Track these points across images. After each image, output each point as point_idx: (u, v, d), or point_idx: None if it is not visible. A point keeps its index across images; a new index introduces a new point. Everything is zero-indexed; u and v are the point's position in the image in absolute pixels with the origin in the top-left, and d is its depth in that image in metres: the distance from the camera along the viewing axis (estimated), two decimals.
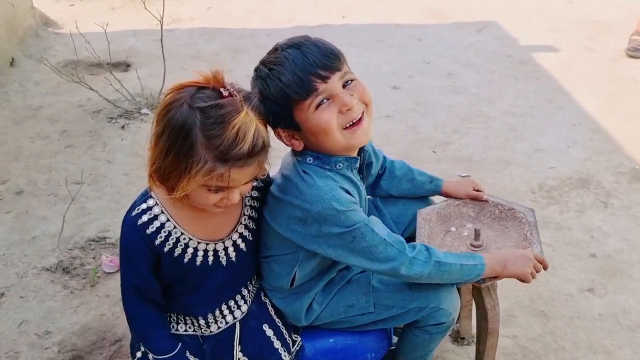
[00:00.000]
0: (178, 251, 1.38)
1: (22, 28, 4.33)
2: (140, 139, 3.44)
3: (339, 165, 1.41)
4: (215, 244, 1.42)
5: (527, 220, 1.70)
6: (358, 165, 1.48)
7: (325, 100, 1.30)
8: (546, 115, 3.71)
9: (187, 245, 1.38)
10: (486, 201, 1.79)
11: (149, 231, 1.34)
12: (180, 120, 1.18)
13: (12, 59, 4.11)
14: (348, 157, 1.43)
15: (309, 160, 1.40)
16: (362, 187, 1.51)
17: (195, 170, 1.18)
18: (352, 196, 1.39)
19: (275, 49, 1.33)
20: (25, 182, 3.07)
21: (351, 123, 1.34)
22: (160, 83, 3.78)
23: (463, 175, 3.08)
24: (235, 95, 1.22)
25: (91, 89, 3.58)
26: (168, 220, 1.35)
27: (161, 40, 3.77)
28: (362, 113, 1.35)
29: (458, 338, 2.09)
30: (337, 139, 1.34)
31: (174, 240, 1.36)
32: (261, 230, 1.51)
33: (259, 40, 4.79)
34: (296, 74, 1.26)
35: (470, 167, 3.17)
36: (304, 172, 1.37)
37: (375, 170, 1.72)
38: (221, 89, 1.22)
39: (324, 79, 1.27)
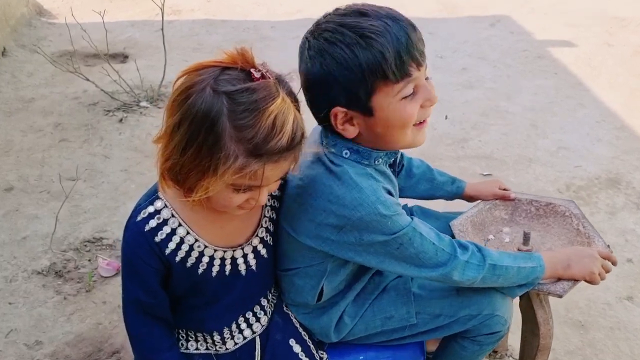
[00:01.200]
0: (191, 260, 1.18)
1: (14, 17, 4.12)
2: (139, 133, 3.24)
3: (378, 161, 1.22)
4: (234, 250, 1.23)
5: (572, 213, 1.52)
6: (392, 160, 1.30)
7: (411, 90, 1.12)
8: (567, 111, 3.52)
9: (202, 254, 1.19)
10: (515, 199, 1.61)
11: (157, 239, 1.14)
12: (204, 107, 0.97)
13: (4, 48, 3.91)
14: (388, 152, 1.24)
15: (345, 153, 1.20)
16: (396, 184, 1.32)
17: (224, 168, 0.98)
18: (394, 196, 1.20)
19: (360, 13, 1.10)
20: (15, 178, 2.87)
21: (422, 121, 1.18)
22: (161, 75, 3.58)
23: (485, 174, 2.89)
24: (269, 77, 1.01)
25: (87, 79, 3.38)
26: (180, 225, 1.16)
27: (162, 28, 3.56)
28: None
29: (490, 352, 1.90)
30: (407, 135, 1.16)
31: (187, 248, 1.17)
32: (277, 238, 1.31)
33: (263, 32, 4.59)
34: (398, 51, 1.06)
35: (491, 166, 2.98)
36: (336, 166, 1.18)
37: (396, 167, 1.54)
38: (251, 70, 1.01)
39: (418, 66, 1.09)
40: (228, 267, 1.22)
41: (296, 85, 1.11)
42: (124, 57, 4.15)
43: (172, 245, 1.15)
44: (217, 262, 1.21)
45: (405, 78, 1.08)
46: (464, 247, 1.23)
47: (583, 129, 3.34)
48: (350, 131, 1.18)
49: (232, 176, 1.00)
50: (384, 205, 1.13)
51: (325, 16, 1.13)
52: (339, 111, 1.14)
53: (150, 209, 1.15)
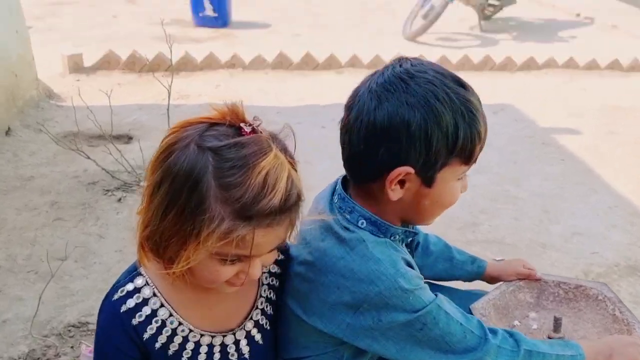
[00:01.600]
0: (174, 347, 1.05)
1: (23, 98, 4.16)
2: None
3: (394, 237, 1.12)
4: (224, 336, 1.09)
5: (606, 297, 1.39)
6: (409, 240, 1.21)
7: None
8: (578, 197, 3.43)
9: (186, 339, 1.05)
10: (541, 280, 1.48)
11: (135, 321, 1.01)
12: (186, 165, 0.88)
13: (9, 127, 3.90)
14: (407, 230, 1.15)
15: (362, 223, 1.09)
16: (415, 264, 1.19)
17: (207, 232, 0.87)
18: (414, 269, 1.07)
19: (457, 81, 1.06)
20: (3, 257, 2.73)
21: None
22: None
23: (498, 259, 2.74)
24: (260, 132, 0.93)
25: (88, 157, 3.33)
26: (162, 305, 1.03)
27: (167, 110, 3.57)
28: None
29: None
30: (437, 214, 1.15)
31: (169, 333, 1.04)
32: (283, 322, 1.17)
33: (269, 117, 4.58)
34: (481, 134, 1.06)
35: (504, 251, 2.84)
36: (349, 232, 1.06)
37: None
38: (241, 124, 0.93)
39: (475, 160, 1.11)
40: (217, 355, 1.08)
41: (291, 143, 1.00)
42: (128, 139, 4.13)
43: (151, 330, 1.02)
44: (203, 349, 1.07)
45: (472, 161, 1.08)
46: (492, 331, 1.09)
47: (596, 214, 3.23)
48: (397, 193, 1.07)
49: (217, 242, 0.88)
50: (405, 278, 1.01)
51: (406, 61, 1.08)
52: (404, 171, 1.04)
53: (129, 286, 1.02)
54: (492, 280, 1.52)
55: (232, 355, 1.09)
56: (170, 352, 1.04)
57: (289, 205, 0.91)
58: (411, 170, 1.03)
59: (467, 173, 1.11)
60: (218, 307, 1.08)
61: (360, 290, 1.00)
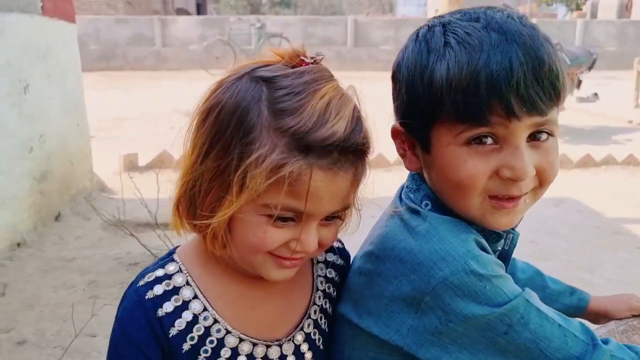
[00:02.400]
0: (205, 353, 0.83)
1: (76, 187, 4.23)
2: None
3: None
4: (268, 347, 0.86)
5: None
6: (499, 245, 0.92)
7: (489, 140, 0.79)
8: None
9: (221, 343, 0.84)
10: None
11: (161, 312, 0.81)
12: (237, 93, 0.76)
13: (59, 213, 3.92)
14: (485, 229, 0.87)
15: (426, 204, 0.88)
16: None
17: (254, 165, 0.72)
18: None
19: (472, 16, 0.81)
20: (31, 332, 2.57)
21: (503, 196, 0.82)
22: None
23: None
24: (320, 64, 0.81)
25: (132, 234, 3.27)
26: (195, 297, 0.83)
27: None
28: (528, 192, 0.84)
29: None
30: (471, 203, 0.82)
31: (201, 332, 0.83)
32: (335, 336, 0.94)
33: None
34: (477, 80, 0.75)
35: None
36: (413, 214, 0.86)
37: None
38: (301, 57, 0.80)
39: (510, 117, 0.76)
40: None
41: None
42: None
43: (179, 325, 0.82)
44: (242, 359, 0.85)
45: (475, 122, 0.77)
46: (603, 340, 0.82)
47: None
48: (412, 162, 0.89)
49: (265, 181, 0.72)
50: (478, 261, 0.77)
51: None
52: (395, 129, 0.88)
53: (159, 272, 0.84)
54: (596, 317, 1.20)
55: None
56: (200, 358, 0.82)
57: (355, 142, 0.75)
58: (399, 127, 0.88)
59: (545, 151, 0.80)
60: (263, 308, 0.87)
61: (421, 277, 0.78)
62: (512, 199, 0.81)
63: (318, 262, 0.95)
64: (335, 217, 0.81)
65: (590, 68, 7.38)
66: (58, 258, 3.42)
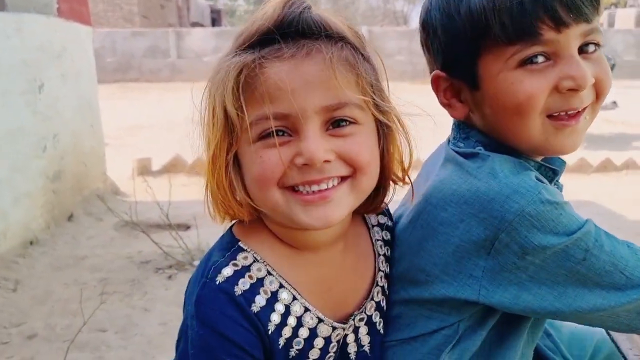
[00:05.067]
0: (299, 345, 0.77)
1: (89, 188, 4.23)
2: None
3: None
4: (344, 323, 0.81)
5: None
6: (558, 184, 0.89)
7: (541, 58, 0.76)
8: None
9: (314, 333, 0.78)
10: None
11: (255, 308, 0.73)
12: (222, 66, 0.75)
13: (72, 214, 3.92)
14: (543, 165, 0.85)
15: (479, 149, 0.83)
16: None
17: (220, 78, 0.71)
18: None
19: None
20: (42, 326, 2.54)
21: (565, 113, 0.79)
22: None
23: None
24: None
25: (143, 231, 3.25)
26: (281, 286, 0.76)
27: None
28: (586, 107, 0.81)
29: None
30: (531, 128, 0.79)
31: (294, 324, 0.76)
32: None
33: None
34: None
35: None
36: (471, 157, 0.81)
37: None
38: None
39: (559, 26, 0.74)
40: (332, 355, 0.81)
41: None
42: (186, 227, 4.04)
43: (275, 318, 0.75)
44: (333, 346, 0.80)
45: (527, 40, 0.74)
46: None
47: None
48: (458, 110, 0.84)
49: (232, 86, 0.70)
50: (547, 190, 0.73)
51: None
52: (440, 76, 0.84)
53: (235, 265, 0.75)
54: None
55: (350, 348, 0.82)
56: (292, 353, 0.76)
57: (296, 22, 0.71)
58: (441, 73, 0.83)
59: (596, 59, 0.78)
60: (339, 287, 0.81)
61: (493, 213, 0.73)
62: (572, 117, 0.78)
63: (373, 226, 0.89)
64: (343, 121, 0.72)
65: None
66: (70, 256, 3.41)
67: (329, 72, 0.69)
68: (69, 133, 3.95)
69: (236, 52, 0.72)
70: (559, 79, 0.75)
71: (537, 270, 0.73)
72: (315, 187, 0.71)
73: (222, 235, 0.81)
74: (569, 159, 4.18)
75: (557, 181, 0.88)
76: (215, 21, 27.39)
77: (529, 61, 0.75)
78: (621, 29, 18.62)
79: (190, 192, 5.04)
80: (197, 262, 3.27)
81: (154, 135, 8.06)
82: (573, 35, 0.75)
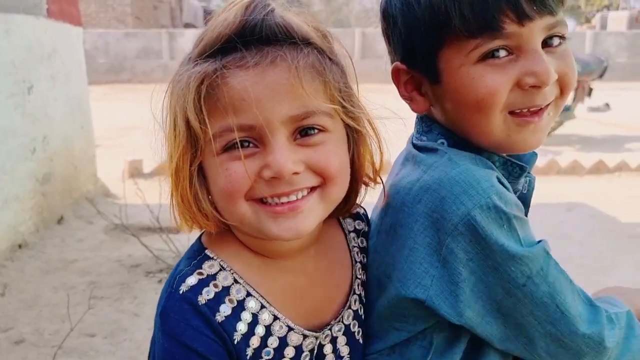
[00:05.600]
0: (268, 355, 0.75)
1: (79, 191, 4.19)
2: None
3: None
4: (320, 334, 0.79)
5: None
6: (522, 183, 0.85)
7: (503, 52, 0.74)
8: None
9: (284, 342, 0.76)
10: None
11: (219, 317, 0.71)
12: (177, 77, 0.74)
13: (62, 217, 3.87)
14: (507, 160, 0.82)
15: (441, 143, 0.81)
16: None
17: (181, 89, 0.69)
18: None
19: None
20: (30, 331, 2.50)
21: (527, 110, 0.76)
22: None
23: None
24: None
25: (133, 234, 3.20)
26: (248, 294, 0.74)
27: None
28: (550, 103, 0.78)
29: None
30: (493, 124, 0.76)
31: (263, 333, 0.74)
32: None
33: None
34: None
35: None
36: (428, 151, 0.79)
37: None
38: None
39: (522, 20, 0.71)
40: None
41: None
42: (177, 230, 3.99)
43: (241, 328, 0.73)
44: (305, 356, 0.78)
45: (489, 34, 0.71)
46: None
47: None
48: (418, 104, 0.82)
49: (193, 101, 0.67)
50: (501, 197, 0.70)
51: None
52: (400, 69, 0.81)
53: (199, 273, 0.73)
54: None
55: (329, 358, 0.79)
56: None
57: (258, 28, 0.68)
58: (401, 65, 0.80)
59: (562, 54, 0.76)
60: (312, 295, 0.79)
61: (443, 214, 0.70)
62: (535, 113, 0.76)
63: (349, 232, 0.87)
64: (312, 129, 0.69)
65: (601, 76, 7.28)
66: (59, 260, 3.36)
67: (294, 80, 0.66)
68: (59, 135, 3.91)
69: (197, 60, 0.69)
70: (521, 74, 0.73)
71: (477, 282, 0.71)
72: (284, 199, 0.70)
73: (192, 244, 0.79)
74: (562, 160, 4.18)
75: (528, 175, 0.86)
76: (208, 22, 27.28)
77: (490, 55, 0.73)
78: (613, 31, 18.71)
79: None
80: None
81: (146, 136, 7.99)
82: (537, 29, 0.72)
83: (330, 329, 0.79)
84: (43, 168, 3.65)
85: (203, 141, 0.69)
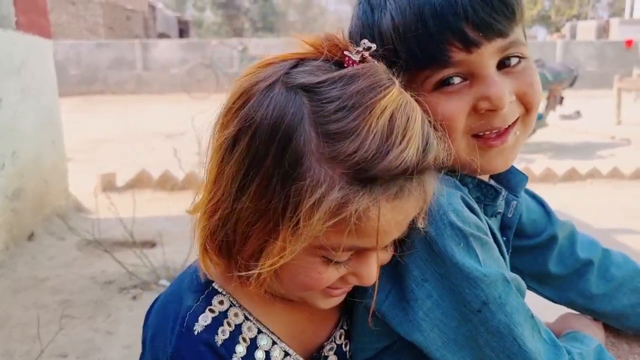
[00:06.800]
0: None
1: (51, 206, 4.09)
2: None
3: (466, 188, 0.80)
4: (316, 352, 0.81)
5: None
6: (498, 207, 0.84)
7: (456, 79, 0.73)
8: None
9: None
10: None
11: (236, 358, 0.70)
12: (272, 111, 0.61)
13: (32, 233, 3.77)
14: (481, 182, 0.81)
15: None
16: (506, 253, 0.87)
17: (309, 207, 0.59)
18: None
19: None
20: (0, 353, 2.41)
21: (490, 132, 0.76)
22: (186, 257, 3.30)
23: None
24: (373, 61, 0.67)
25: (106, 250, 3.13)
26: (260, 331, 0.73)
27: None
28: (514, 122, 0.78)
29: None
30: (457, 147, 0.75)
31: None
32: None
33: None
34: (423, 19, 0.69)
35: None
36: None
37: (542, 240, 1.01)
38: (345, 52, 0.66)
39: (469, 47, 0.70)
40: None
41: None
42: (152, 245, 3.94)
43: None
44: None
45: (436, 64, 0.71)
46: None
47: None
48: None
49: (324, 224, 0.60)
50: (458, 214, 0.70)
51: None
52: None
53: (212, 311, 0.70)
54: None
55: None
56: None
57: (427, 165, 0.63)
58: None
59: (520, 75, 0.77)
60: (311, 328, 0.79)
61: None
62: (499, 135, 0.76)
63: None
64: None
65: (572, 84, 7.44)
66: (30, 277, 3.27)
67: (418, 209, 0.67)
68: (29, 149, 3.81)
69: (351, 181, 0.60)
70: (476, 100, 0.73)
71: (432, 308, 0.69)
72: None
73: (191, 273, 0.75)
74: (536, 168, 4.23)
75: (515, 199, 0.86)
76: (182, 32, 27.17)
77: (445, 83, 0.73)
78: (583, 40, 19.18)
79: (156, 208, 4.93)
80: (163, 281, 3.18)
81: (119, 149, 7.89)
82: (487, 54, 0.71)
83: (323, 350, 0.79)
84: (13, 183, 3.56)
85: (289, 238, 0.62)
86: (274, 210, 0.61)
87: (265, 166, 0.61)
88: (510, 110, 0.74)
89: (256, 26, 40.73)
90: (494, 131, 0.75)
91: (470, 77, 0.73)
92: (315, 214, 0.59)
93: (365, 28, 0.74)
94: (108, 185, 5.29)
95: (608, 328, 1.06)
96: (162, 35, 22.65)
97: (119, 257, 3.34)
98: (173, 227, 4.35)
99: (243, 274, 0.65)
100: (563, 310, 1.09)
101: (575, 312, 1.06)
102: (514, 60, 0.75)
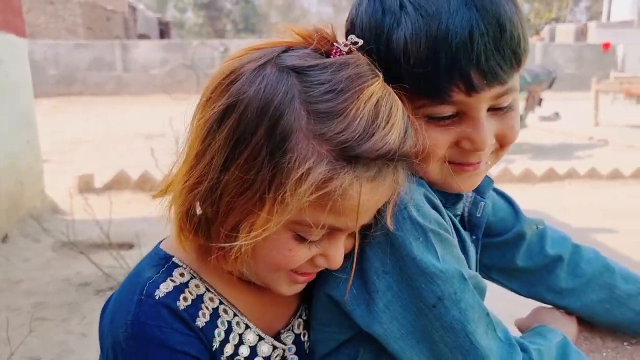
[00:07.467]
0: None
1: (25, 208, 4.02)
2: None
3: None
4: (274, 340, 0.79)
5: None
6: (458, 210, 0.86)
7: (448, 115, 0.74)
8: None
9: (254, 352, 0.75)
10: None
11: (200, 323, 0.70)
12: (264, 88, 0.63)
13: (6, 235, 3.70)
14: (444, 192, 0.82)
15: None
16: (472, 250, 0.88)
17: (295, 180, 0.61)
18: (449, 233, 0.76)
19: None
20: None
21: (461, 162, 0.78)
22: None
23: None
24: (358, 54, 0.69)
25: (82, 252, 3.07)
26: (221, 303, 0.73)
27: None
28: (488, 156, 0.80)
29: None
30: (431, 170, 0.77)
31: (237, 342, 0.74)
32: None
33: None
34: (437, 58, 0.69)
35: None
36: None
37: (509, 238, 1.02)
38: (334, 44, 0.69)
39: (471, 91, 0.71)
40: None
41: None
42: (129, 246, 3.88)
43: (219, 335, 0.72)
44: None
45: (438, 99, 0.71)
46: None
47: None
48: None
49: (310, 196, 0.61)
50: (418, 209, 0.71)
51: None
52: None
53: (173, 281, 0.70)
54: None
55: None
56: None
57: (406, 152, 0.66)
58: None
59: (505, 120, 0.78)
60: (275, 307, 0.79)
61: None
62: (472, 164, 0.78)
63: None
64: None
65: (550, 86, 7.54)
66: (3, 280, 3.20)
67: (389, 195, 0.69)
68: (4, 150, 3.74)
69: (337, 158, 0.62)
70: (460, 137, 0.74)
71: (392, 300, 0.70)
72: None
73: (149, 254, 0.76)
74: (515, 169, 4.27)
75: (482, 200, 0.88)
76: (163, 33, 26.97)
77: (438, 119, 0.74)
78: (561, 43, 19.46)
79: (135, 210, 4.87)
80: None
81: (97, 150, 7.79)
82: (484, 99, 0.73)
83: (280, 336, 0.78)
84: None
85: (275, 210, 0.63)
86: (261, 180, 0.62)
87: (256, 139, 0.62)
88: (489, 149, 0.77)
89: (238, 27, 40.62)
90: (465, 162, 0.78)
91: (461, 114, 0.74)
92: (302, 184, 0.61)
93: (372, 30, 0.73)
94: (85, 186, 5.21)
95: (581, 322, 1.06)
96: (142, 36, 22.46)
97: (96, 259, 3.29)
98: (151, 228, 4.29)
99: (226, 244, 0.65)
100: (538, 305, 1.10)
101: (548, 306, 1.06)
102: (505, 107, 0.76)
